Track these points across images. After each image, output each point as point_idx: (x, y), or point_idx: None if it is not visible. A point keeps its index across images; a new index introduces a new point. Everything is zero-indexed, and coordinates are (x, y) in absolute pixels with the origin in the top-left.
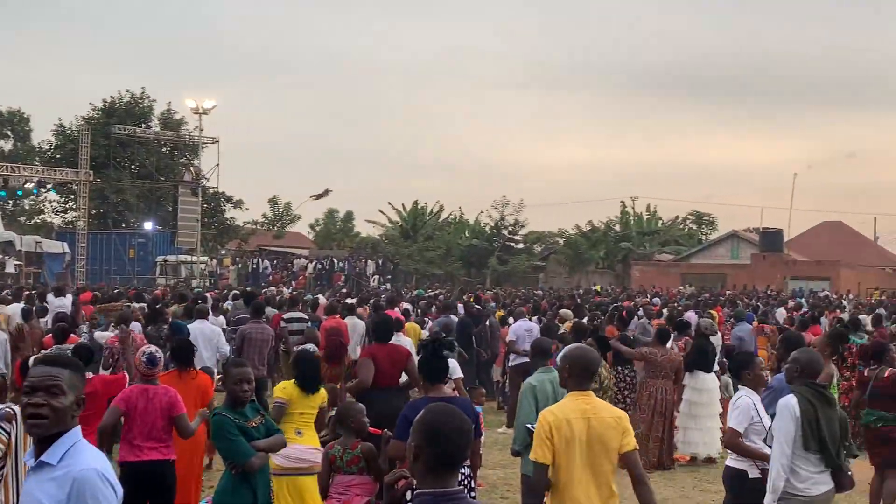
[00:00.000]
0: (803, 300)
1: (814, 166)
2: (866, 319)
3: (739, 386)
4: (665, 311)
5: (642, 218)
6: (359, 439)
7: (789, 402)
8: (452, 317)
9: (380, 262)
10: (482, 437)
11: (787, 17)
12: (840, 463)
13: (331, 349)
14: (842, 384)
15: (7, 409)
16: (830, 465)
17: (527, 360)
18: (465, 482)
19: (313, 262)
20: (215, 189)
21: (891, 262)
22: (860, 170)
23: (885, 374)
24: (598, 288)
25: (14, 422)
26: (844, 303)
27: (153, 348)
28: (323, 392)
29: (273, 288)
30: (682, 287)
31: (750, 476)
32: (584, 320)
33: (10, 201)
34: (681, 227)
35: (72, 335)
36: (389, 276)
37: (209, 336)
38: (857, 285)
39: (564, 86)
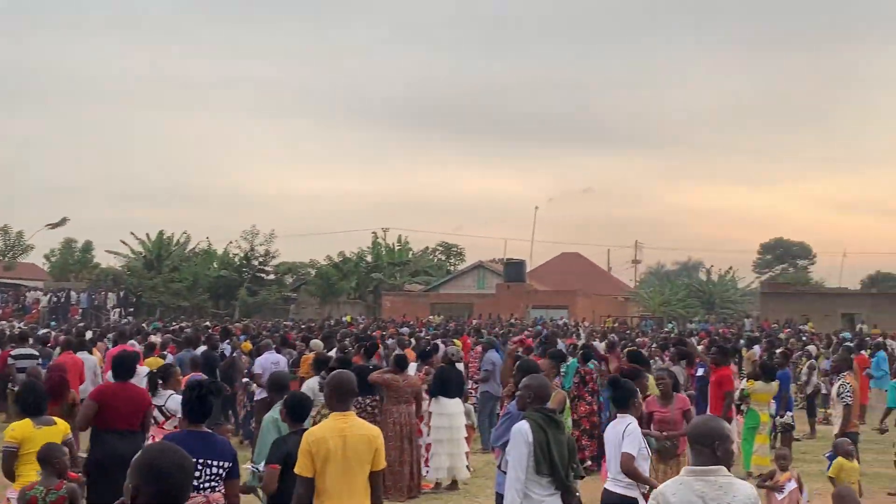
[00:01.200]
0: (541, 327)
1: (554, 200)
2: (600, 345)
3: (620, 414)
4: (412, 339)
5: (393, 249)
6: (62, 480)
7: (522, 428)
8: (198, 350)
9: (121, 294)
10: (240, 481)
11: (534, 57)
12: (568, 484)
13: (49, 385)
14: (581, 407)
15: None
16: (560, 488)
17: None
18: None
19: (48, 295)
20: None
21: (622, 290)
22: (596, 204)
23: None
24: (349, 318)
25: None
26: (580, 330)
27: None
28: (62, 426)
29: (3, 322)
30: (431, 316)
31: None
32: (332, 351)
33: None
34: (430, 257)
35: None
36: (132, 309)
37: None
38: (591, 313)
39: (316, 115)
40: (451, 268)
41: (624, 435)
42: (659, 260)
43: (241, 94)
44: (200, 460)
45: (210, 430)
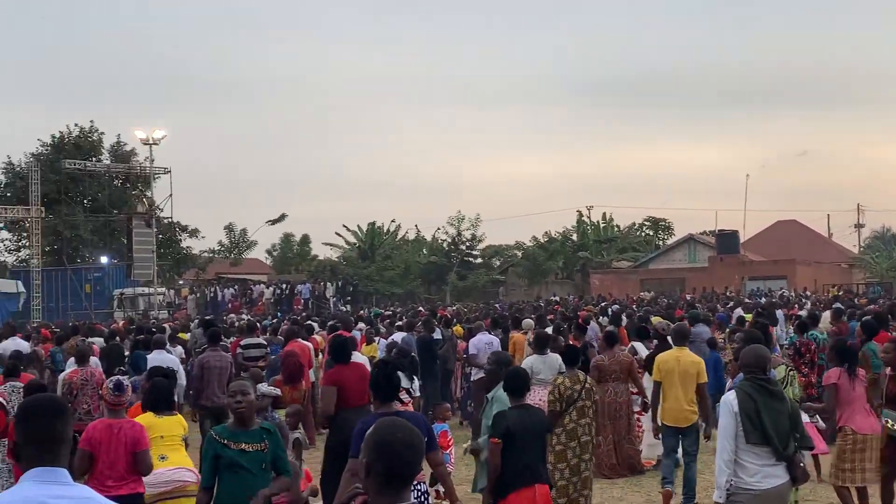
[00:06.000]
0: (762, 299)
1: (766, 167)
2: (825, 315)
3: None
4: (624, 317)
5: (599, 226)
6: None
7: (728, 398)
8: (410, 334)
9: (339, 284)
10: (440, 452)
11: (737, 23)
12: (789, 455)
13: (288, 372)
14: (798, 378)
15: None
16: (780, 458)
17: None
18: (422, 499)
19: (271, 288)
20: (170, 219)
21: (845, 257)
22: (812, 168)
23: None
24: (558, 298)
25: None
26: (804, 300)
27: (119, 376)
28: (178, 417)
29: (233, 315)
30: (642, 293)
31: None
32: (549, 330)
33: None
34: (638, 233)
35: (24, 373)
36: (349, 298)
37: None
38: (813, 282)
39: (513, 100)
40: (660, 243)
41: None
42: (884, 223)
43: (439, 83)
44: None
45: (401, 410)
